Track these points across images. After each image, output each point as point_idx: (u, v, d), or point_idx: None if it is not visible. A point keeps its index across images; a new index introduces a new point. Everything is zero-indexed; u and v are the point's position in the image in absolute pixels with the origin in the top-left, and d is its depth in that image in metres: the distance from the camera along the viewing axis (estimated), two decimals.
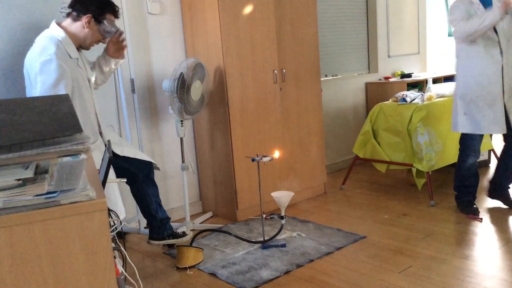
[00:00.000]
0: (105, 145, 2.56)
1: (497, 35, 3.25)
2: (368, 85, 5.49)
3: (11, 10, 2.88)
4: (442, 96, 4.33)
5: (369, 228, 3.44)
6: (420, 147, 3.87)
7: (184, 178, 3.65)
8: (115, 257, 1.32)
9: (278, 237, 3.28)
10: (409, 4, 5.96)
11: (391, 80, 5.46)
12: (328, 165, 4.95)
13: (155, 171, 3.12)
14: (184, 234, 3.20)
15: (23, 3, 2.90)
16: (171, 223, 3.26)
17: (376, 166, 4.41)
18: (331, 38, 5.18)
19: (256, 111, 3.80)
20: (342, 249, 3.12)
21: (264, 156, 3.25)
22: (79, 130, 1.09)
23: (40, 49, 2.34)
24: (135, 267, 1.68)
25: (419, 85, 5.54)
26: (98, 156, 2.55)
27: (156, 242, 3.14)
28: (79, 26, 2.44)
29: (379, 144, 4.23)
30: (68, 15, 2.49)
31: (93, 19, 2.46)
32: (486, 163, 4.82)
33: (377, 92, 5.40)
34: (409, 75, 5.58)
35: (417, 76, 5.69)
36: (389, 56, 5.76)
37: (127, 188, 3.13)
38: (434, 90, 4.31)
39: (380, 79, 5.59)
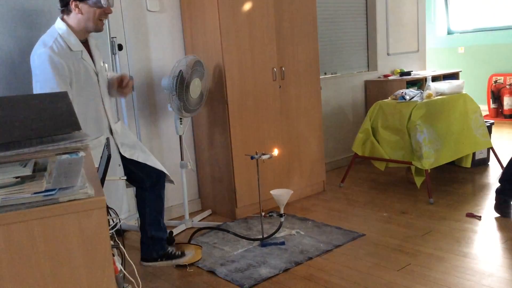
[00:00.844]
0: (105, 143, 2.54)
1: None
2: (367, 83, 5.49)
3: (12, 11, 2.88)
4: (441, 94, 4.33)
5: (368, 226, 3.44)
6: (419, 145, 3.88)
7: (183, 176, 3.65)
8: (114, 255, 1.32)
9: (277, 235, 3.28)
10: (409, 2, 5.95)
11: (390, 78, 5.45)
12: (327, 163, 4.95)
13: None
14: (182, 254, 2.91)
15: (24, 1, 2.90)
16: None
17: (375, 164, 4.41)
18: (330, 36, 5.17)
19: (255, 109, 3.80)
20: (341, 247, 3.12)
21: (263, 154, 3.25)
22: (78, 127, 1.09)
23: (40, 44, 2.37)
24: (134, 265, 1.68)
25: (419, 83, 5.54)
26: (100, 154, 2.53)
27: (145, 263, 2.87)
28: (74, 16, 2.42)
29: (378, 142, 4.23)
30: (63, 12, 2.47)
31: (77, 1, 2.41)
32: (485, 161, 4.82)
33: (376, 90, 5.40)
34: (408, 73, 5.58)
35: (417, 74, 5.69)
36: (388, 54, 5.75)
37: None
38: (433, 88, 4.31)
39: (379, 77, 5.59)
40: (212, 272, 2.89)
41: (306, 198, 4.21)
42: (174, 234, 3.47)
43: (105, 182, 2.46)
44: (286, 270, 2.85)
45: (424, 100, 4.09)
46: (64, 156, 1.12)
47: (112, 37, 3.39)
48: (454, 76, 6.05)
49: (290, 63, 3.98)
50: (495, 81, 7.31)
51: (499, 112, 7.28)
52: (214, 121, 3.79)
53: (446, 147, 4.06)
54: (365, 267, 2.82)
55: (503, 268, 2.69)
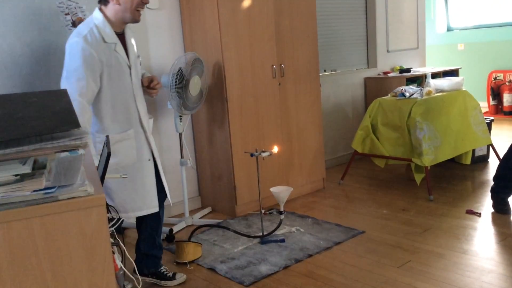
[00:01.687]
0: (105, 141, 2.52)
1: None
2: (367, 80, 5.48)
3: (20, 14, 2.88)
4: (441, 91, 4.33)
5: (368, 223, 3.45)
6: (419, 142, 3.87)
7: (183, 174, 3.65)
8: (113, 253, 1.32)
9: (277, 232, 3.29)
10: None
11: (390, 75, 5.45)
12: (327, 160, 4.94)
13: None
14: (173, 276, 2.75)
15: (33, 4, 2.90)
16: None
17: (375, 161, 4.41)
18: (330, 33, 5.17)
19: (255, 106, 3.79)
20: (341, 244, 3.12)
21: (263, 151, 3.25)
22: (77, 125, 1.09)
23: (76, 32, 2.36)
24: (134, 263, 1.68)
25: (418, 80, 5.54)
26: (132, 145, 2.49)
27: (136, 276, 2.62)
28: (111, 7, 2.39)
29: (378, 139, 4.23)
30: (100, 2, 2.44)
31: None
32: (485, 158, 4.82)
33: (376, 87, 5.39)
34: (408, 70, 5.57)
35: (416, 71, 5.69)
36: (388, 51, 5.75)
37: None
38: (433, 85, 4.31)
39: (379, 74, 5.59)
40: (212, 269, 2.89)
41: (306, 195, 4.21)
42: (174, 231, 3.47)
43: (129, 176, 2.41)
44: (286, 267, 2.85)
45: (424, 97, 4.09)
46: (64, 154, 1.12)
47: None
48: (453, 73, 6.05)
49: (289, 60, 3.98)
50: (495, 78, 7.31)
51: (498, 109, 7.27)
52: (213, 119, 3.79)
53: (446, 144, 4.05)
54: (365, 264, 2.82)
55: (502, 265, 2.69)
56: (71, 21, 3.00)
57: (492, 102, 7.31)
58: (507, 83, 7.15)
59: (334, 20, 5.20)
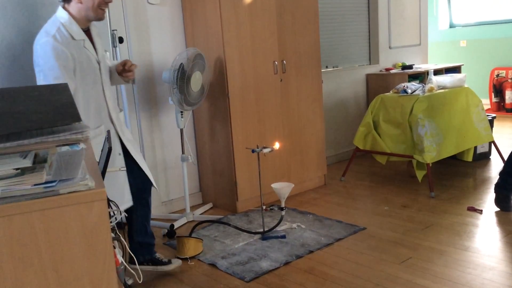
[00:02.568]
0: (106, 136, 2.52)
1: None
2: (369, 77, 5.47)
3: (13, 1, 2.86)
4: (443, 88, 4.32)
5: (369, 220, 3.44)
6: (421, 139, 3.87)
7: (184, 169, 3.64)
8: (114, 247, 1.32)
9: (278, 228, 3.29)
10: None
11: (392, 71, 5.43)
12: (328, 157, 4.94)
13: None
14: (169, 261, 2.84)
15: None
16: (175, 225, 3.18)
17: (376, 158, 4.40)
18: (332, 29, 5.15)
19: (257, 102, 3.79)
20: (342, 240, 3.12)
21: (264, 148, 3.25)
22: (78, 119, 1.08)
23: (41, 33, 2.35)
24: (135, 258, 1.68)
25: (420, 77, 5.52)
26: (102, 141, 2.50)
27: (135, 267, 2.85)
28: (74, 5, 2.40)
29: (379, 135, 4.22)
30: (64, 0, 2.44)
31: None
32: (487, 155, 4.81)
33: (378, 84, 5.38)
34: (410, 67, 5.55)
35: (418, 67, 5.67)
36: (390, 48, 5.73)
37: None
38: (435, 81, 4.30)
39: (381, 71, 5.57)
40: (213, 265, 2.89)
41: (307, 191, 4.21)
42: (175, 227, 3.47)
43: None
44: (287, 263, 2.85)
45: (426, 94, 4.08)
46: (65, 148, 1.12)
47: (113, 30, 3.38)
48: (456, 69, 6.03)
49: (291, 56, 3.97)
50: (497, 75, 7.29)
51: (500, 106, 7.26)
52: (215, 115, 3.78)
53: (448, 141, 4.05)
54: (366, 260, 2.82)
55: (504, 261, 2.69)
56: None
57: (494, 99, 7.29)
58: (510, 80, 7.13)
59: (336, 16, 5.18)
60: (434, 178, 4.16)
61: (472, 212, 3.44)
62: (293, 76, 4.00)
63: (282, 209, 3.21)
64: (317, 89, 4.20)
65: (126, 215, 2.79)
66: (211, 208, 3.99)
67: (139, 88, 3.67)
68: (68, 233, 1.02)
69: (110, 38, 3.34)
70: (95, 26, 2.57)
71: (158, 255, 2.86)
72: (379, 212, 3.58)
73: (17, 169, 1.02)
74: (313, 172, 4.28)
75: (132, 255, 2.42)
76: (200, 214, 3.81)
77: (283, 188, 3.18)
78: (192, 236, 3.19)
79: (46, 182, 1.02)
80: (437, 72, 5.49)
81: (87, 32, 2.49)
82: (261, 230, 3.28)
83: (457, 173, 4.42)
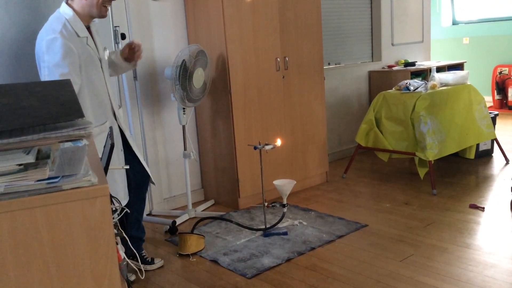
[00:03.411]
0: (108, 132, 2.52)
1: None
2: (371, 74, 5.46)
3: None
4: (445, 85, 4.30)
5: (371, 217, 3.44)
6: (423, 136, 3.86)
7: (186, 166, 3.65)
8: (117, 243, 1.32)
9: (279, 225, 3.29)
10: None
11: (394, 68, 5.42)
12: (330, 154, 4.94)
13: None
14: (152, 261, 2.87)
15: None
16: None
17: (378, 155, 4.40)
18: (334, 25, 5.14)
19: (259, 99, 3.78)
20: (344, 237, 3.12)
21: (266, 144, 3.25)
22: (81, 115, 1.08)
23: (47, 29, 2.34)
24: (137, 254, 1.69)
25: (423, 74, 5.51)
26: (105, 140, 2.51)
27: (137, 264, 2.72)
28: (78, 1, 2.39)
29: (381, 133, 4.22)
30: None
31: None
32: (489, 152, 4.80)
33: (380, 81, 5.37)
34: (412, 64, 5.54)
35: (421, 64, 5.66)
36: (392, 45, 5.71)
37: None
38: (437, 78, 4.29)
39: (383, 68, 5.56)
40: (215, 261, 2.89)
41: (309, 188, 4.21)
42: (177, 224, 3.48)
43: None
44: (288, 260, 2.85)
45: (429, 91, 4.07)
46: (67, 144, 1.12)
47: (115, 26, 3.37)
48: (458, 66, 6.02)
49: (293, 53, 3.96)
50: (500, 72, 7.26)
51: (503, 103, 7.24)
52: (217, 111, 3.78)
53: (450, 138, 4.04)
54: (367, 257, 2.82)
55: (506, 259, 2.68)
56: None
57: (496, 97, 7.28)
58: None
59: (339, 13, 5.17)
60: (436, 175, 4.16)
61: (474, 210, 3.44)
62: (295, 73, 4.00)
63: (284, 206, 3.22)
64: (319, 86, 4.20)
65: (129, 211, 2.80)
66: (213, 204, 3.99)
67: (141, 85, 3.67)
68: (70, 229, 1.03)
69: (112, 35, 3.34)
70: (94, 24, 2.57)
71: (144, 252, 2.89)
72: (380, 209, 3.58)
73: (20, 165, 1.02)
74: (315, 169, 4.28)
75: (133, 249, 2.45)
76: (202, 210, 3.81)
77: (285, 185, 3.18)
78: (194, 232, 3.20)
79: (49, 178, 1.02)
80: (439, 69, 5.47)
81: (88, 29, 2.49)
82: (263, 227, 3.28)
83: (459, 171, 4.42)
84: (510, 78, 7.14)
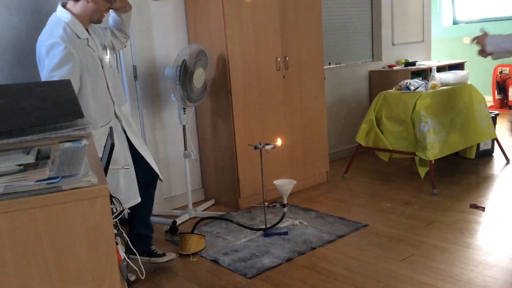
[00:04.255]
0: (108, 132, 2.52)
1: None
2: (371, 73, 5.46)
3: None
4: (446, 85, 4.30)
5: (371, 217, 3.44)
6: (424, 136, 3.86)
7: (187, 166, 3.65)
8: (117, 243, 1.32)
9: (280, 225, 3.29)
10: None
11: (395, 68, 5.42)
12: (330, 154, 4.94)
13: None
14: (163, 254, 2.90)
15: None
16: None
17: (379, 155, 4.40)
18: (334, 25, 5.14)
19: (259, 99, 3.78)
20: (344, 237, 3.12)
21: (267, 144, 3.25)
22: (81, 115, 1.08)
23: (47, 33, 2.35)
24: (137, 254, 1.68)
25: (423, 74, 5.51)
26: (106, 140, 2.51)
27: (131, 258, 2.90)
28: (83, 4, 2.40)
29: (382, 132, 4.22)
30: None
31: None
32: (490, 152, 4.80)
33: (380, 81, 5.37)
34: (413, 63, 5.54)
35: (421, 64, 5.65)
36: (393, 44, 5.71)
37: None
38: (438, 78, 4.28)
39: (384, 67, 5.56)
40: (215, 261, 2.89)
41: (309, 188, 4.21)
42: (178, 223, 3.48)
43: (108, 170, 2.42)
44: (289, 260, 2.85)
45: (429, 91, 4.07)
46: (67, 144, 1.12)
47: None
48: (459, 66, 6.01)
49: (294, 53, 3.96)
50: (500, 72, 7.26)
51: (504, 103, 7.23)
52: (217, 111, 3.78)
53: (451, 138, 4.04)
54: (368, 257, 2.82)
55: (506, 259, 2.68)
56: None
57: (497, 96, 7.27)
58: None
59: (339, 12, 5.17)
60: (436, 175, 4.16)
61: (474, 210, 3.44)
62: (295, 72, 4.00)
63: (284, 205, 3.21)
64: (319, 85, 4.20)
65: (129, 211, 2.80)
66: (213, 204, 3.99)
67: (142, 85, 3.67)
68: (70, 229, 1.03)
69: None
70: (91, 25, 2.58)
71: (154, 247, 2.92)
72: (381, 209, 3.58)
73: (20, 165, 1.02)
74: (316, 168, 4.28)
75: (133, 248, 2.43)
76: (203, 210, 3.81)
77: (285, 185, 3.18)
78: (194, 232, 3.20)
79: (49, 178, 1.02)
80: (440, 69, 5.47)
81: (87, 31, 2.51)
82: (263, 226, 3.28)
83: (459, 170, 4.41)
84: (510, 77, 7.13)
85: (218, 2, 3.50)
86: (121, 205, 1.59)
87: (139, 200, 2.65)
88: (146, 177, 2.76)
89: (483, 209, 3.43)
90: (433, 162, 3.88)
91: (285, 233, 3.20)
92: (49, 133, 1.05)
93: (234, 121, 3.65)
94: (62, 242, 1.03)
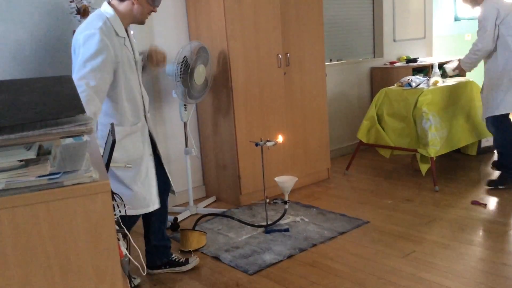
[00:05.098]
0: (109, 129, 2.50)
1: None
2: (373, 70, 5.45)
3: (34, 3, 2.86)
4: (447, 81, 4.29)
5: (373, 213, 3.44)
6: (425, 133, 3.85)
7: (188, 163, 3.65)
8: (119, 239, 1.32)
9: (281, 222, 3.29)
10: None
11: (396, 65, 5.41)
12: (332, 150, 4.93)
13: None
14: (186, 262, 2.79)
15: None
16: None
17: (380, 152, 4.39)
18: (336, 22, 5.12)
19: (260, 96, 3.78)
20: (345, 234, 3.12)
21: (268, 141, 3.24)
22: (82, 111, 1.08)
23: (87, 24, 2.34)
24: (139, 250, 1.68)
25: (425, 70, 5.50)
26: (138, 139, 2.50)
27: (151, 271, 2.76)
28: (128, 5, 2.40)
29: (383, 129, 4.21)
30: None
31: None
32: (491, 149, 4.79)
33: (382, 77, 5.36)
34: (414, 60, 5.53)
35: (423, 61, 5.65)
36: (394, 41, 5.70)
37: None
38: (439, 75, 4.27)
39: (385, 64, 5.55)
40: (216, 258, 2.90)
41: (310, 185, 4.21)
42: (179, 220, 3.48)
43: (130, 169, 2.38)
44: (290, 256, 2.85)
45: (430, 87, 4.06)
46: (69, 140, 1.11)
47: None
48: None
49: (295, 49, 3.95)
50: None
51: None
52: (218, 108, 3.78)
53: (452, 135, 4.03)
54: (369, 254, 2.82)
55: (507, 255, 2.68)
56: (76, 8, 2.98)
57: None
58: None
59: (341, 9, 5.16)
60: (438, 172, 4.15)
61: (476, 206, 3.43)
62: (297, 69, 3.99)
63: (285, 202, 3.21)
64: (321, 82, 4.19)
65: (130, 207, 2.79)
66: (214, 201, 3.99)
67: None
68: (72, 225, 1.03)
69: None
70: (130, 28, 2.58)
71: (174, 256, 2.82)
72: (382, 206, 3.58)
73: (21, 160, 1.02)
74: (317, 165, 4.27)
75: (145, 261, 2.37)
76: (204, 207, 3.81)
77: (286, 181, 3.18)
78: (195, 229, 3.20)
79: (50, 174, 1.02)
80: (441, 65, 5.45)
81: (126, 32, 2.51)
82: (265, 223, 3.28)
83: (461, 167, 4.41)
84: None
85: None
86: (123, 201, 1.59)
87: (158, 206, 2.58)
88: (161, 186, 2.65)
89: (484, 206, 3.43)
90: (434, 159, 3.87)
91: (286, 230, 3.20)
92: (50, 129, 1.04)
93: (235, 117, 3.65)
94: (64, 238, 1.03)
